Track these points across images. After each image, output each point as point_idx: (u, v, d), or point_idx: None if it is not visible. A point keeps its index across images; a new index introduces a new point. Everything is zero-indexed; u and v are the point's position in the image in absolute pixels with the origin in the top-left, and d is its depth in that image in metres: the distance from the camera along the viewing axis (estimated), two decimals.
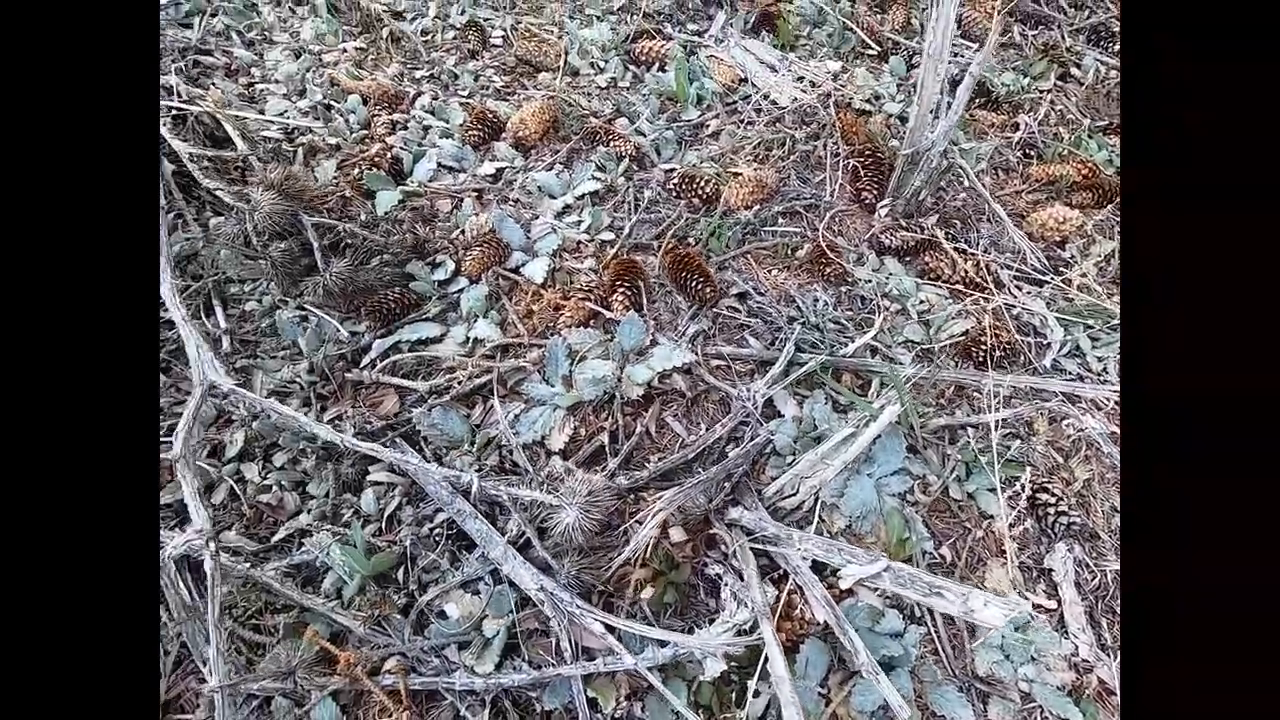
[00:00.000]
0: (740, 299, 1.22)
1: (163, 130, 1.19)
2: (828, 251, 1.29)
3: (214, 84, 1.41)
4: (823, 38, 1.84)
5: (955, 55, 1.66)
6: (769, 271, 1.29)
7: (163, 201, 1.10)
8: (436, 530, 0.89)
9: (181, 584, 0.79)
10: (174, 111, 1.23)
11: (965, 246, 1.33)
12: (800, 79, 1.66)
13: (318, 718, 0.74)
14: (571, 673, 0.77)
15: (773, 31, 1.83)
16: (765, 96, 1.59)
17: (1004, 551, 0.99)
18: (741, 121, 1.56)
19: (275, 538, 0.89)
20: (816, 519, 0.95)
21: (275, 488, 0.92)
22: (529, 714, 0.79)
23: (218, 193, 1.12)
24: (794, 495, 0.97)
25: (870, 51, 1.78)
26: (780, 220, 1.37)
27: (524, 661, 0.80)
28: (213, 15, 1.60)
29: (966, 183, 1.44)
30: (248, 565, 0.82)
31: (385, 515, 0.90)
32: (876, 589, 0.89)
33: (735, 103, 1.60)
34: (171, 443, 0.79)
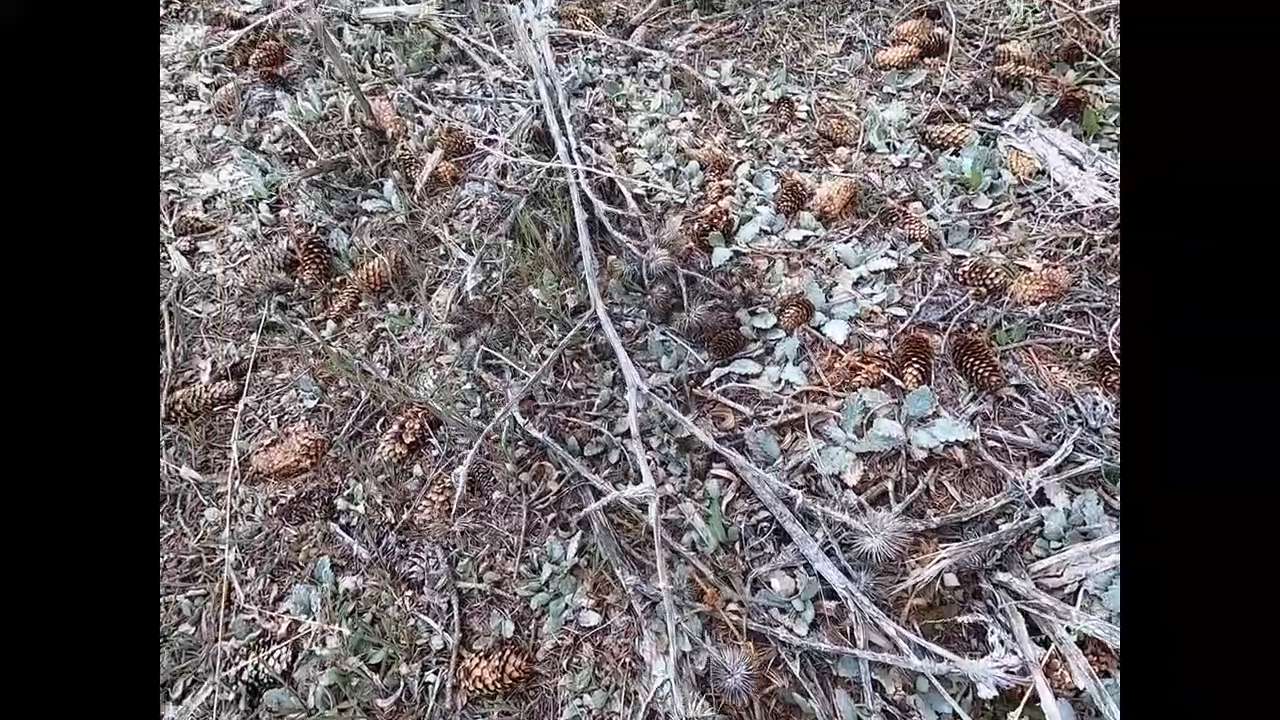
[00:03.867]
0: (1020, 390, 1.37)
1: (583, 185, 1.68)
2: (1116, 360, 1.38)
3: (600, 146, 1.90)
4: None
5: None
6: (1050, 368, 1.42)
7: (586, 241, 1.57)
8: (763, 523, 1.23)
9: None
10: (588, 171, 1.73)
11: None
12: (1105, 175, 1.70)
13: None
14: (863, 655, 1.05)
15: (1077, 119, 1.86)
16: (1066, 193, 1.67)
17: None
18: (1035, 215, 1.66)
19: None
20: (1079, 602, 1.11)
21: (653, 461, 1.33)
22: (825, 674, 1.09)
23: (622, 242, 1.57)
24: (1059, 576, 1.13)
25: None
26: (1066, 319, 1.48)
27: (825, 636, 1.10)
28: (593, 85, 2.12)
29: None
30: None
31: (724, 502, 1.27)
32: None
33: (1029, 195, 1.70)
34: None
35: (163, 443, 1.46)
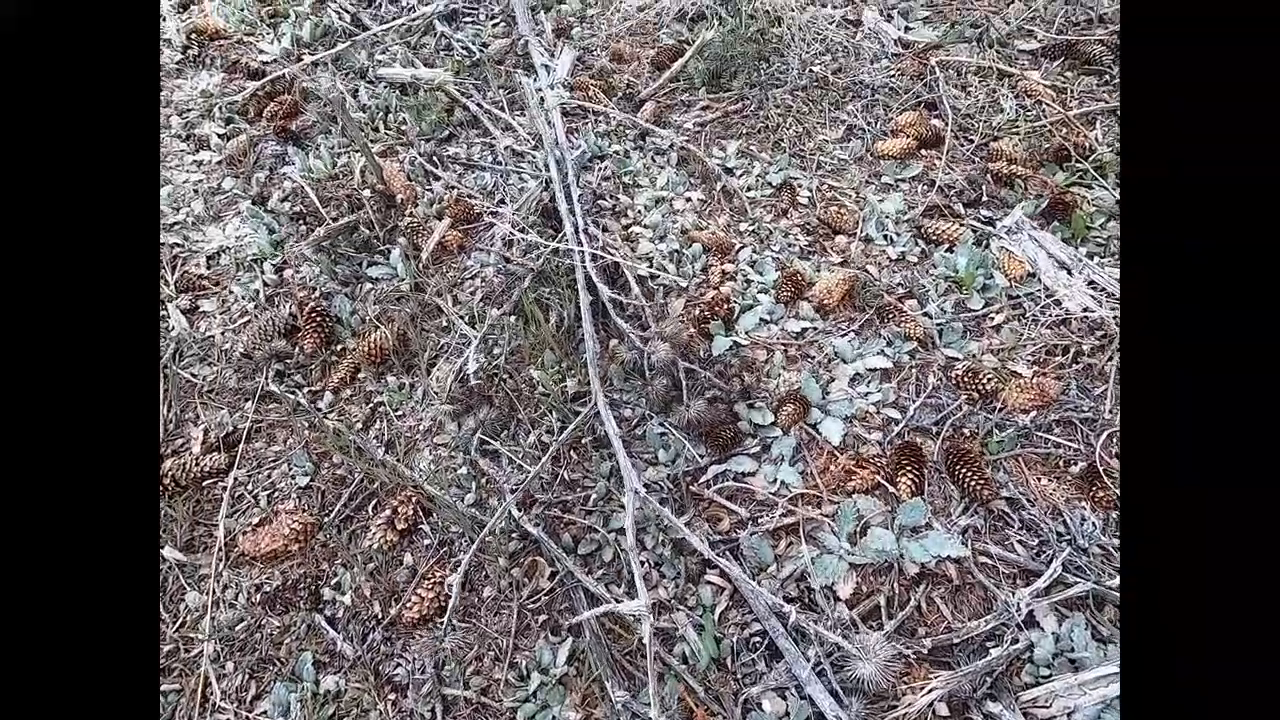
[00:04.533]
0: (1010, 503, 1.40)
1: (589, 268, 1.71)
2: (1103, 475, 1.41)
3: (606, 225, 1.94)
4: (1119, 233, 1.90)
5: None
6: (1040, 479, 1.44)
7: (589, 327, 1.58)
8: (755, 637, 1.22)
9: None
10: (593, 254, 1.76)
11: None
12: (1093, 284, 1.76)
13: None
14: None
15: (1066, 221, 1.94)
16: (1055, 300, 1.72)
17: None
18: (1026, 319, 1.71)
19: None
20: None
21: (647, 564, 1.32)
22: None
23: (624, 329, 1.59)
24: (1047, 707, 1.14)
25: None
26: (1056, 429, 1.51)
27: None
28: (602, 159, 2.17)
29: None
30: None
31: (718, 611, 1.26)
32: None
33: (1021, 299, 1.76)
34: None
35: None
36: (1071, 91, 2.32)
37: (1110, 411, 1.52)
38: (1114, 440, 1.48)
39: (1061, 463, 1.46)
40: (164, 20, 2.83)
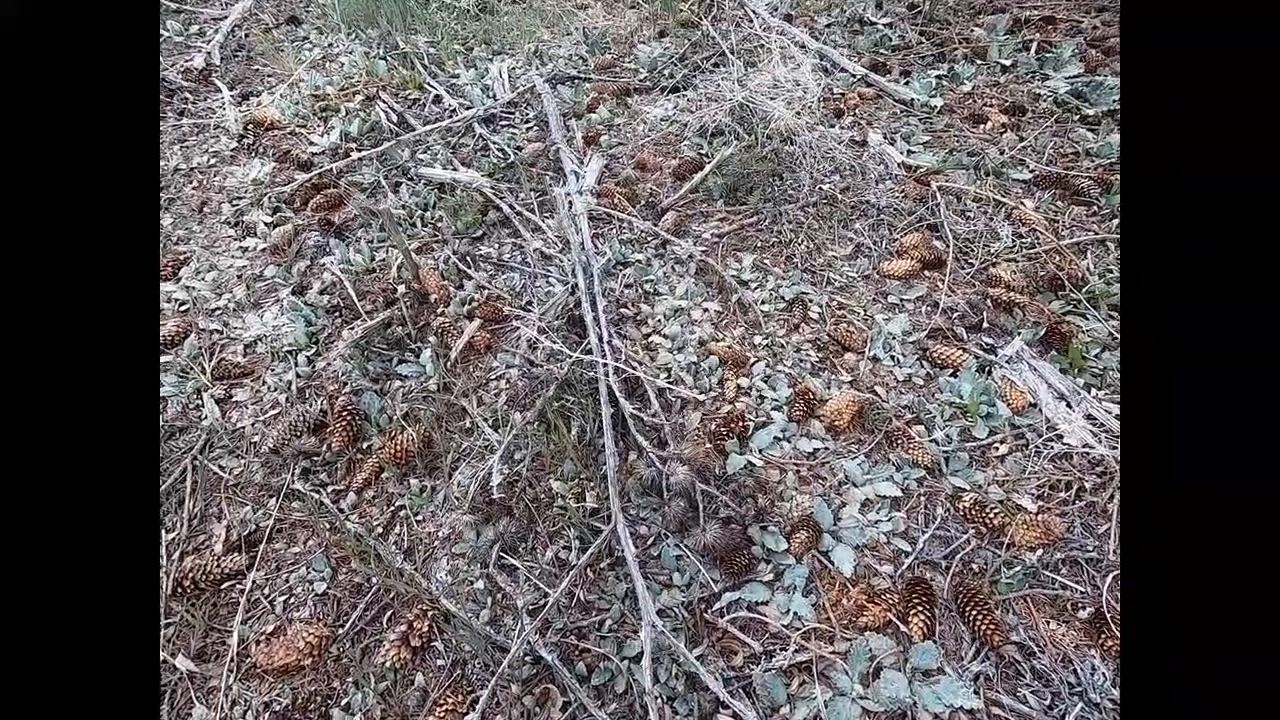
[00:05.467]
0: (1021, 649, 1.41)
1: (612, 382, 1.79)
2: (1110, 623, 1.43)
3: (627, 334, 2.04)
4: (1117, 364, 2.00)
5: None
6: (1049, 623, 1.46)
7: (610, 442, 1.64)
8: None
9: None
10: (614, 365, 1.84)
11: None
12: (1092, 418, 1.84)
13: None
14: None
15: (1063, 351, 2.04)
16: (1056, 434, 1.80)
17: None
18: (1029, 450, 1.78)
19: None
20: None
21: (660, 699, 1.32)
22: None
23: (644, 447, 1.65)
24: None
25: None
26: (1063, 568, 1.55)
27: None
28: (625, 266, 2.30)
29: None
30: None
31: None
32: None
33: (1023, 429, 1.83)
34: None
35: (163, 622, 1.44)
36: (1063, 221, 2.50)
37: (1115, 553, 1.56)
38: (1120, 584, 1.52)
39: (1069, 605, 1.48)
40: (224, 110, 3.07)
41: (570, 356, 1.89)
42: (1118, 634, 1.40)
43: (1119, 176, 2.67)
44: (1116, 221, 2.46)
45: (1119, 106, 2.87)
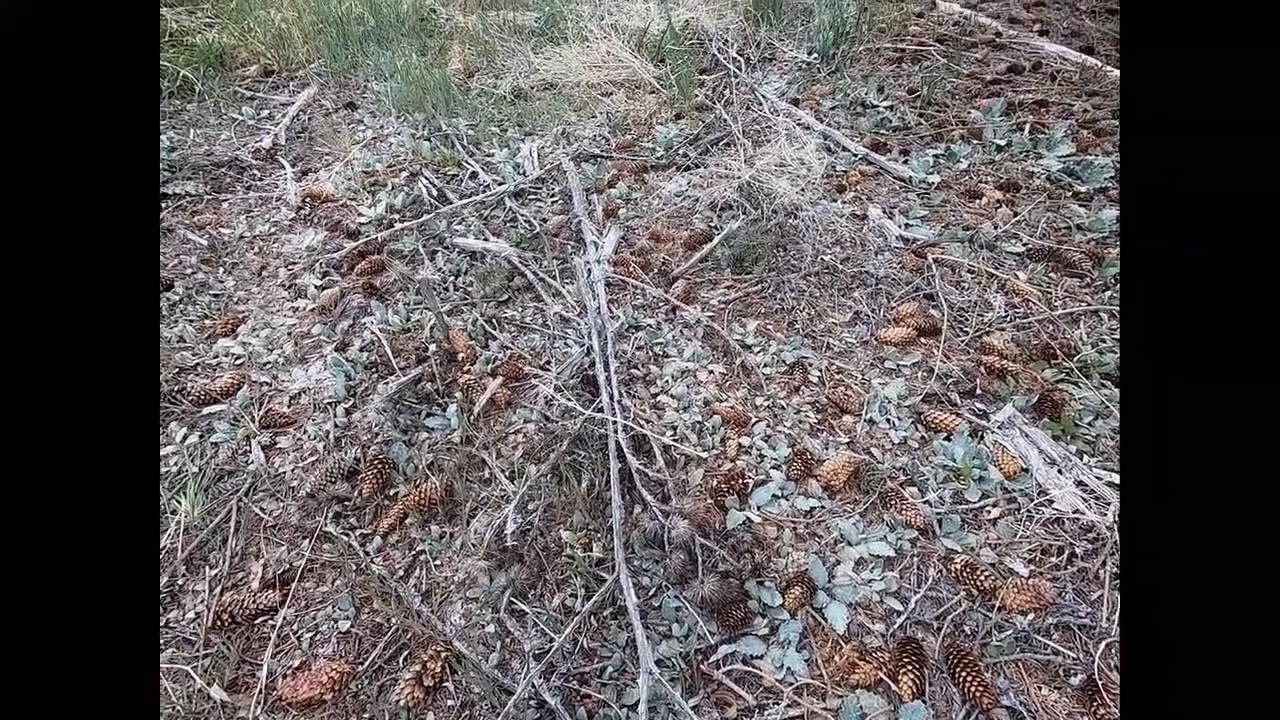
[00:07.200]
0: (1011, 713, 1.44)
1: (620, 438, 1.93)
2: (1103, 691, 1.45)
3: (636, 394, 2.19)
4: (1109, 432, 2.07)
5: None
6: (1040, 688, 1.49)
7: (617, 496, 1.77)
8: None
9: None
10: (623, 423, 1.99)
11: None
12: (1082, 484, 1.90)
13: None
14: None
15: (1055, 418, 2.12)
16: (1048, 499, 1.86)
17: None
18: (1020, 515, 1.84)
19: None
20: None
21: None
22: None
23: (648, 501, 1.77)
24: None
25: None
26: (1054, 634, 1.58)
27: None
28: (637, 329, 2.49)
29: None
30: None
31: None
32: None
33: (1015, 494, 1.90)
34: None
35: (201, 654, 1.57)
36: (1056, 292, 2.63)
37: (1108, 619, 1.59)
38: (1113, 651, 1.54)
39: (1061, 671, 1.50)
40: (285, 184, 3.46)
41: (583, 413, 2.05)
42: (1110, 702, 1.42)
43: (1113, 250, 2.82)
44: (1109, 293, 2.58)
45: (1112, 184, 3.05)
